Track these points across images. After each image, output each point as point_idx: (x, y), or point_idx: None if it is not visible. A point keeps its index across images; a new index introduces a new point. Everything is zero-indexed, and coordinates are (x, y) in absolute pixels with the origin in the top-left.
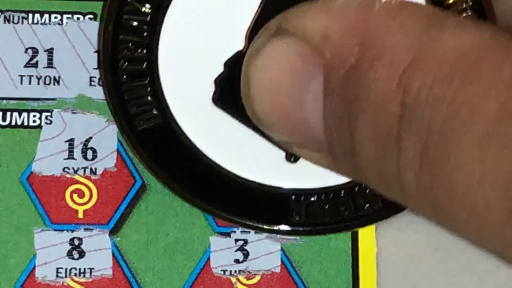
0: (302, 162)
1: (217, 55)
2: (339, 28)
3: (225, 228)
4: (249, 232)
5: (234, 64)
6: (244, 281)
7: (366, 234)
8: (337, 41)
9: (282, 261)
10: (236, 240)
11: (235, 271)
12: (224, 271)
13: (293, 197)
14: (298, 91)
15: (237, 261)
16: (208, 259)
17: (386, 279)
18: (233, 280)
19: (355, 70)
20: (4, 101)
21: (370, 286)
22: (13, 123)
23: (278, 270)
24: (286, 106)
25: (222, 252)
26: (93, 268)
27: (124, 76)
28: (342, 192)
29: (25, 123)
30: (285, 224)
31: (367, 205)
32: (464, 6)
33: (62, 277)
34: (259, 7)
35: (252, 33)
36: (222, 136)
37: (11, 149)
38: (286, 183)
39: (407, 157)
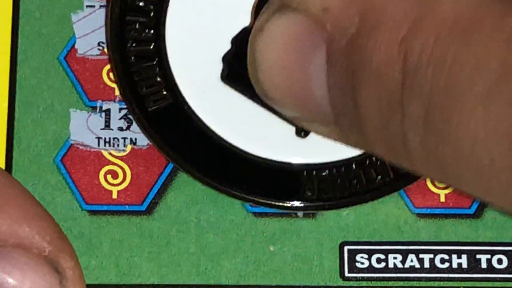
0: (312, 136)
1: (224, 32)
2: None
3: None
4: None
5: (241, 41)
6: None
7: None
8: (337, 12)
9: None
10: None
11: None
12: None
13: (305, 172)
14: (303, 65)
15: None
16: None
17: None
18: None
19: (356, 39)
20: None
21: None
22: None
23: None
24: (292, 81)
25: None
26: None
27: (133, 58)
28: (354, 165)
29: None
30: (297, 200)
31: (379, 177)
32: None
33: None
34: None
35: (258, 8)
36: (232, 114)
37: None
38: (297, 159)
39: (411, 121)
